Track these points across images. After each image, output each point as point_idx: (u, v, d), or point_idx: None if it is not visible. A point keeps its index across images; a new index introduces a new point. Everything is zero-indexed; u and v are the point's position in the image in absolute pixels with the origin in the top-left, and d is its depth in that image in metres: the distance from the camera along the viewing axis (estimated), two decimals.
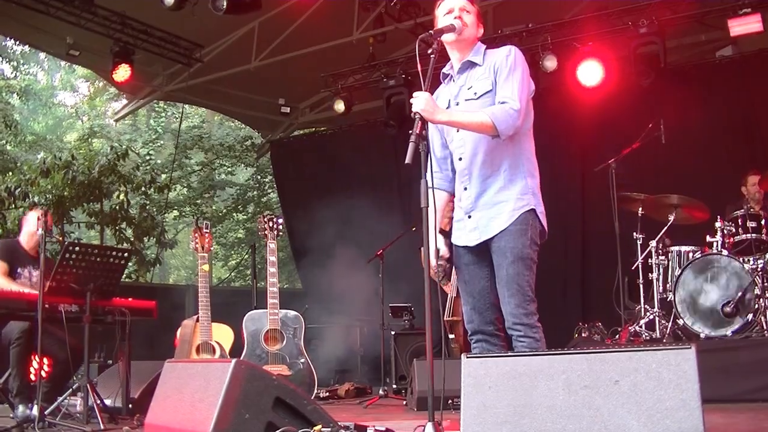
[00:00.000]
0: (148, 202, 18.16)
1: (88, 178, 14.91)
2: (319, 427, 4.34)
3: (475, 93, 4.85)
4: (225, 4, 10.72)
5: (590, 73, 11.62)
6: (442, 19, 4.94)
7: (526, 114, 4.80)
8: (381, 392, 10.14)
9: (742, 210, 9.07)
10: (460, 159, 4.89)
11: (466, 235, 4.88)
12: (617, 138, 10.70)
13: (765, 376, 7.65)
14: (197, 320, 8.27)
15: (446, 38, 4.88)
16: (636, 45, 11.35)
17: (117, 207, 15.60)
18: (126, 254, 7.53)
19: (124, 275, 9.17)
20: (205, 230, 8.57)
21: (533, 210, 4.76)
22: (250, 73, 13.61)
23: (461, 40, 4.91)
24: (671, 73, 11.59)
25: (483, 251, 4.83)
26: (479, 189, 4.82)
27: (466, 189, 4.86)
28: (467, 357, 3.86)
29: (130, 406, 7.18)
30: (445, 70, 5.08)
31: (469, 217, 4.85)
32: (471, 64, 4.94)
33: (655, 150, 10.07)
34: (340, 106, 13.44)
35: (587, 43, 11.70)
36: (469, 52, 4.96)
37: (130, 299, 7.52)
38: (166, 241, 17.19)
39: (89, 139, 25.09)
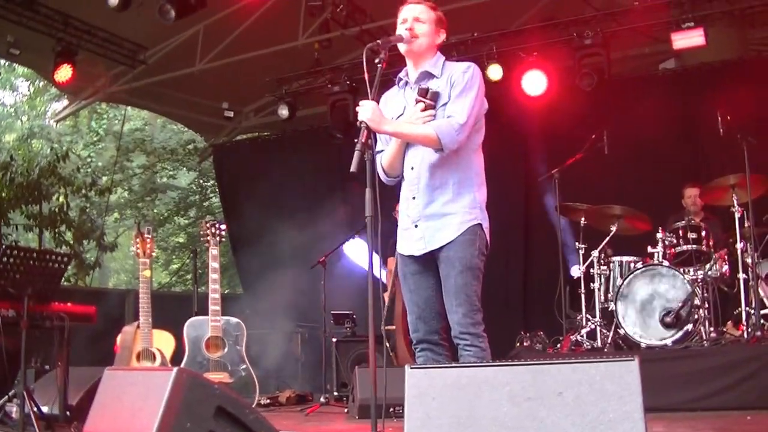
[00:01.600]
0: (88, 205, 17.98)
1: (27, 180, 14.73)
2: None
3: (438, 104, 4.84)
4: (173, 13, 10.62)
5: (535, 82, 11.72)
6: (398, 27, 4.93)
7: (476, 131, 4.84)
8: (322, 399, 10.11)
9: (683, 221, 9.19)
10: (412, 168, 4.88)
11: (412, 245, 4.88)
12: (561, 148, 10.77)
13: (704, 386, 7.75)
14: (138, 327, 8.18)
15: (399, 47, 4.88)
16: (581, 56, 11.44)
17: (56, 209, 15.41)
18: (66, 258, 7.41)
19: (63, 278, 9.05)
20: (146, 235, 8.47)
21: (480, 224, 4.79)
22: (193, 76, 13.50)
23: (412, 51, 4.91)
24: (615, 84, 11.71)
25: (429, 261, 4.84)
26: (427, 199, 4.82)
27: (414, 198, 4.86)
28: (411, 368, 3.85)
29: (68, 413, 7.07)
30: (401, 74, 5.08)
31: (416, 226, 4.85)
32: (428, 75, 4.93)
33: (599, 161, 10.14)
34: (284, 111, 13.38)
35: (532, 53, 11.79)
36: (426, 63, 4.95)
37: (69, 304, 7.40)
38: (106, 244, 17.00)
39: (29, 140, 24.82)
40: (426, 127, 4.68)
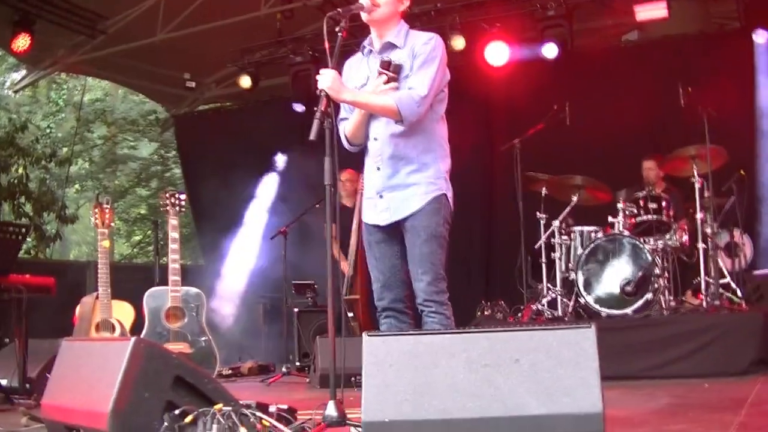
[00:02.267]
0: (48, 176, 17.81)
1: None
2: (219, 405, 4.29)
3: (401, 75, 4.83)
4: None
5: (497, 53, 11.71)
6: None
7: (439, 101, 4.85)
8: (284, 370, 10.10)
9: (644, 191, 9.23)
10: (375, 139, 4.88)
11: (377, 215, 4.89)
12: (523, 119, 10.79)
13: (663, 354, 7.84)
14: (97, 297, 8.11)
15: (362, 16, 4.86)
16: (544, 27, 11.44)
17: (15, 181, 15.24)
18: (23, 230, 7.36)
19: (23, 251, 8.98)
20: (105, 205, 8.39)
21: (444, 194, 4.81)
22: (155, 46, 13.37)
23: (375, 20, 4.88)
24: (578, 55, 11.73)
25: (394, 230, 4.86)
26: (391, 170, 4.82)
27: (378, 169, 4.86)
28: (368, 335, 3.85)
29: (28, 386, 7.03)
30: (365, 42, 5.05)
31: (381, 197, 4.85)
32: (391, 46, 4.91)
33: (560, 131, 10.17)
34: (246, 81, 13.29)
35: (495, 24, 11.76)
36: (390, 32, 4.92)
37: (27, 276, 7.35)
38: (67, 216, 16.84)
39: None
40: (386, 98, 4.68)
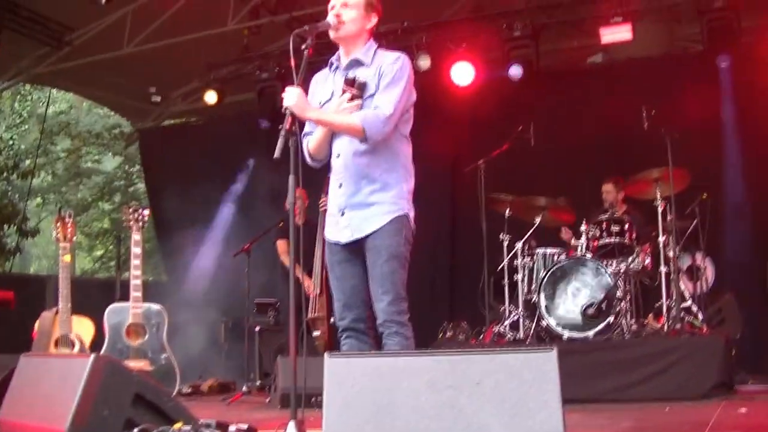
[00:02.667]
0: (9, 189, 17.67)
1: None
2: (179, 424, 4.26)
3: (365, 94, 4.83)
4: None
5: (463, 73, 11.74)
6: (329, 14, 4.88)
7: (404, 121, 4.86)
8: (245, 389, 10.04)
9: (607, 214, 9.28)
10: (338, 156, 4.86)
11: (338, 232, 4.88)
12: (488, 139, 10.82)
13: (624, 377, 7.86)
14: (57, 312, 8.03)
15: (330, 34, 4.86)
16: (510, 47, 11.49)
17: None
18: None
19: None
20: (67, 219, 8.32)
21: (406, 215, 4.79)
22: (121, 59, 13.30)
23: (342, 38, 4.88)
24: (543, 76, 11.80)
25: (355, 249, 4.83)
26: (354, 188, 4.80)
27: (340, 186, 4.85)
28: (330, 356, 3.84)
29: None
30: (333, 58, 5.04)
31: (342, 214, 4.83)
32: (358, 63, 4.91)
33: (525, 152, 10.21)
34: (212, 97, 13.25)
35: (461, 44, 11.80)
36: (357, 49, 4.92)
37: None
38: (28, 229, 16.71)
39: None
40: (352, 117, 4.68)
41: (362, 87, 4.76)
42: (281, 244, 10.15)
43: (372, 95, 4.77)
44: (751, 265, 10.47)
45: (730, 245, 10.52)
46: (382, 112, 4.66)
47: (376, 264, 4.72)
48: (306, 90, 4.80)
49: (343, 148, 4.84)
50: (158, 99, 14.68)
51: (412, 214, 4.84)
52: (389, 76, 4.75)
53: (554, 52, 13.20)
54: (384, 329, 4.71)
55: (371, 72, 4.83)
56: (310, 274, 9.43)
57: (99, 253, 26.86)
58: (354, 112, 4.72)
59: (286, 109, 4.53)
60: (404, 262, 4.75)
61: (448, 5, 12.74)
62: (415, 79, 4.94)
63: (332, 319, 8.35)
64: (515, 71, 11.40)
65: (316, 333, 9.33)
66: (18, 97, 26.42)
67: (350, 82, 4.76)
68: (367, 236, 4.76)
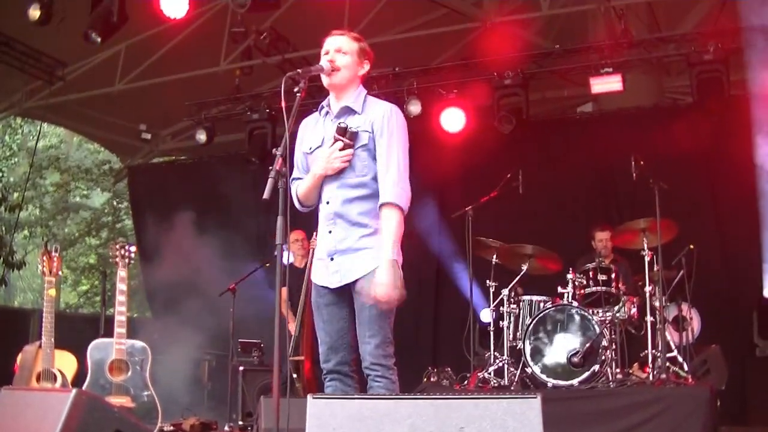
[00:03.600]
0: None
1: None
2: None
3: (357, 144, 4.85)
4: (98, 39, 10.43)
5: (453, 119, 11.80)
6: (321, 59, 4.90)
7: None
8: (227, 428, 9.99)
9: (594, 263, 9.29)
10: (328, 203, 4.87)
11: (327, 276, 4.86)
12: (477, 186, 10.85)
13: (609, 426, 7.81)
14: (39, 346, 7.98)
15: (323, 79, 4.88)
16: (500, 95, 11.55)
17: None
18: None
19: None
20: (53, 253, 8.29)
21: (395, 260, 4.73)
22: (112, 96, 13.33)
23: (335, 84, 4.90)
24: (533, 125, 11.85)
25: (343, 293, 4.83)
26: (344, 234, 4.82)
27: (330, 232, 4.85)
28: (313, 398, 3.82)
29: None
30: (323, 103, 5.04)
31: (332, 259, 4.83)
32: (349, 111, 4.92)
33: (513, 200, 10.24)
34: (202, 136, 13.25)
35: (452, 91, 11.87)
36: (348, 96, 4.93)
37: None
38: (14, 261, 16.62)
39: None
40: (391, 222, 4.73)
41: (354, 137, 4.76)
42: (285, 292, 10.07)
43: (365, 145, 4.80)
44: (737, 316, 10.49)
45: (715, 297, 10.53)
46: (401, 188, 4.76)
47: (364, 308, 4.70)
48: (295, 133, 4.82)
49: (333, 195, 4.85)
50: (148, 136, 14.68)
51: (400, 260, 4.80)
52: (386, 134, 4.81)
53: (544, 101, 13.30)
54: (370, 372, 4.70)
55: (362, 120, 4.85)
56: (295, 315, 9.41)
57: (84, 288, 26.75)
58: (346, 161, 4.74)
59: (275, 150, 4.52)
60: (391, 307, 4.73)
61: (439, 52, 12.85)
62: (406, 125, 4.96)
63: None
64: (505, 126, 11.42)
65: (295, 376, 9.29)
66: (9, 130, 26.46)
67: (342, 131, 4.76)
68: (355, 280, 4.76)
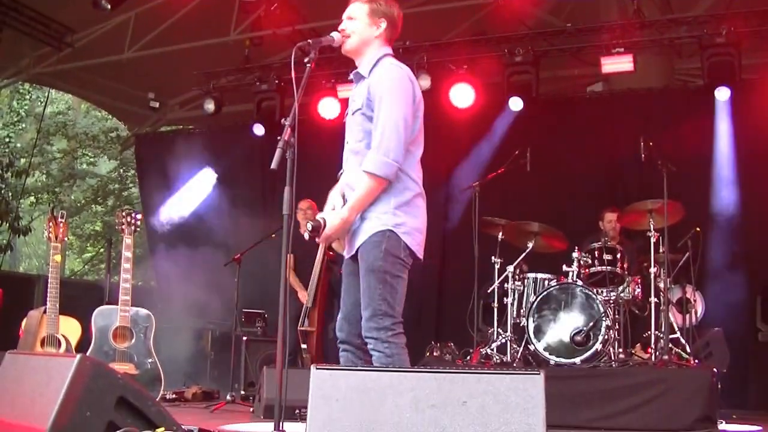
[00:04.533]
0: (3, 186, 17.63)
1: None
2: (162, 429, 4.24)
3: (353, 109, 4.89)
4: (108, 5, 10.40)
5: (463, 95, 11.76)
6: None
7: (413, 142, 4.88)
8: (228, 397, 10.01)
9: (600, 242, 9.28)
10: (343, 171, 4.94)
11: (346, 245, 4.92)
12: (484, 162, 10.83)
13: (610, 406, 7.80)
14: (44, 312, 8.01)
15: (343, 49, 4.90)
16: (510, 72, 11.51)
17: None
18: None
19: None
20: (60, 219, 8.31)
21: (389, 229, 4.71)
22: (121, 63, 13.32)
23: (348, 51, 4.93)
24: (542, 103, 11.82)
25: (356, 262, 4.83)
26: None
27: (346, 201, 4.83)
28: (316, 368, 3.83)
29: None
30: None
31: (348, 230, 4.83)
32: (359, 76, 4.94)
33: (520, 177, 10.22)
34: (210, 106, 13.21)
35: (462, 66, 11.81)
36: (361, 62, 4.96)
37: None
38: (20, 227, 16.66)
39: None
40: (362, 184, 4.68)
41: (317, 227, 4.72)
42: (290, 259, 10.07)
43: (359, 110, 4.81)
44: (741, 300, 10.48)
45: (720, 280, 10.52)
46: (383, 154, 4.65)
47: (362, 278, 4.71)
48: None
49: (346, 163, 4.90)
50: (156, 105, 14.64)
51: (402, 230, 4.75)
52: (377, 100, 4.75)
53: (554, 80, 13.24)
54: (367, 344, 4.70)
55: (366, 85, 4.84)
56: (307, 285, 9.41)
57: (89, 255, 26.79)
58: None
59: (284, 120, 4.52)
60: (383, 277, 4.66)
61: (450, 27, 12.78)
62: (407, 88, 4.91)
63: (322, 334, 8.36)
64: (515, 104, 11.40)
65: (304, 346, 9.30)
66: (16, 95, 26.43)
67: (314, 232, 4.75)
68: (356, 251, 4.76)
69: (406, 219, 4.78)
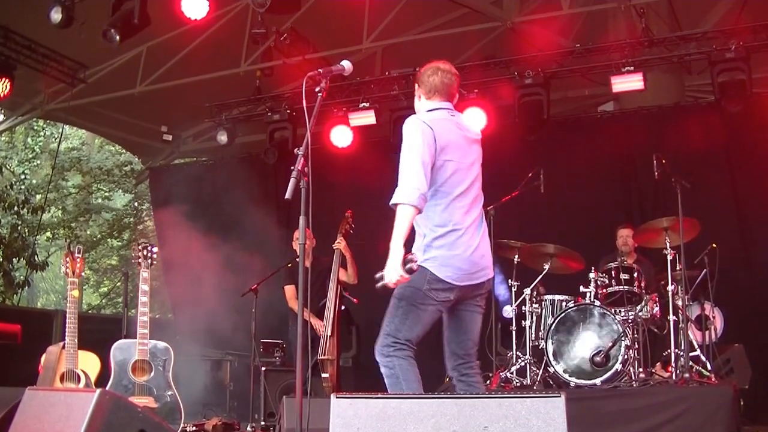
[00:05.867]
0: (20, 223, 17.70)
1: None
2: None
3: None
4: (117, 38, 10.46)
5: (474, 119, 11.75)
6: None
7: (444, 183, 5.04)
8: (249, 428, 9.99)
9: (616, 262, 9.25)
10: None
11: None
12: (498, 185, 10.82)
13: (631, 426, 7.76)
14: (63, 347, 8.02)
15: None
16: (521, 95, 11.51)
17: None
18: None
19: None
20: (76, 255, 8.33)
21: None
22: (134, 97, 13.40)
23: None
24: (554, 124, 11.83)
25: None
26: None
27: None
28: (336, 397, 3.83)
29: None
30: None
31: None
32: None
33: (534, 199, 10.23)
34: (223, 137, 13.27)
35: (473, 90, 11.83)
36: None
37: None
38: (37, 263, 16.72)
39: None
40: (396, 217, 4.83)
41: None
42: (288, 290, 10.09)
43: None
44: (760, 315, 10.43)
45: (738, 296, 10.47)
46: (400, 184, 4.85)
47: None
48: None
49: None
50: (170, 138, 14.72)
51: (436, 262, 4.97)
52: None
53: (565, 100, 13.26)
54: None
55: None
56: (318, 314, 9.38)
57: (105, 289, 26.85)
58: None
59: (297, 149, 4.56)
60: (401, 304, 4.98)
61: (459, 52, 12.81)
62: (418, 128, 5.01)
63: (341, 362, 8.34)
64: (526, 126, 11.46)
65: (324, 375, 9.27)
66: (31, 132, 26.58)
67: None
68: None
69: (439, 252, 4.99)
